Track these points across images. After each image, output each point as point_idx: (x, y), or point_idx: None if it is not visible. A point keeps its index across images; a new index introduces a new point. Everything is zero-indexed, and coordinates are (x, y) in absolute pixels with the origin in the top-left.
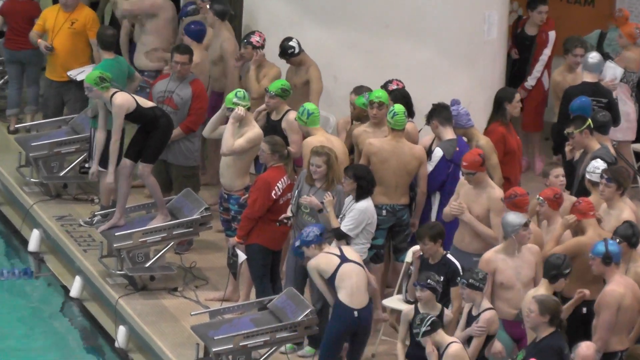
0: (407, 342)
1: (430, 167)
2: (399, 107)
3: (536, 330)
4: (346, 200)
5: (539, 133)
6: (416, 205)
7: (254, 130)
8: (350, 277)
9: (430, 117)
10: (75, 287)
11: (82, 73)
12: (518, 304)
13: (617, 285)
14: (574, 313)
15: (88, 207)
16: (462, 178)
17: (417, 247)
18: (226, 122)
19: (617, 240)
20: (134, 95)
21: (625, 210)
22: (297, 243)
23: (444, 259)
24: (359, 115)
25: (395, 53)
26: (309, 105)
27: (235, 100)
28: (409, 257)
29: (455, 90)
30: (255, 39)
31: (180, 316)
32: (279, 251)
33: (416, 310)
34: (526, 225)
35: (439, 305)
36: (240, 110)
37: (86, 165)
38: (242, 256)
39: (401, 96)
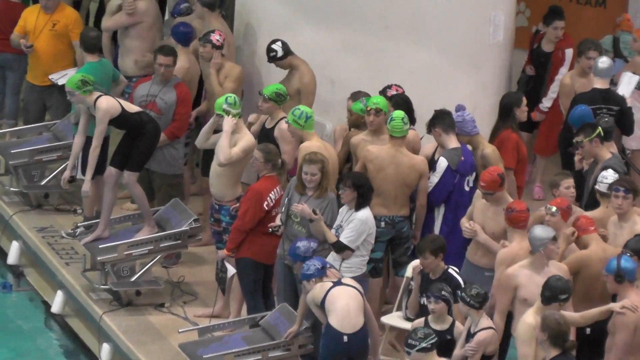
0: None
1: (435, 178)
2: (397, 113)
3: (543, 348)
4: (341, 210)
5: (548, 158)
6: (416, 219)
7: (247, 138)
8: (340, 299)
9: (432, 125)
10: (57, 303)
11: (64, 77)
12: None
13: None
14: (577, 334)
15: (71, 218)
16: (478, 190)
17: (417, 262)
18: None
19: (628, 254)
20: (119, 100)
21: (639, 223)
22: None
23: (445, 273)
24: (356, 122)
25: (395, 55)
26: (305, 108)
27: (225, 106)
28: (409, 271)
29: (458, 96)
30: (215, 37)
31: (168, 333)
32: (271, 265)
33: (426, 324)
34: (554, 239)
35: (450, 319)
36: (231, 120)
37: (76, 176)
38: (231, 270)
39: (402, 102)
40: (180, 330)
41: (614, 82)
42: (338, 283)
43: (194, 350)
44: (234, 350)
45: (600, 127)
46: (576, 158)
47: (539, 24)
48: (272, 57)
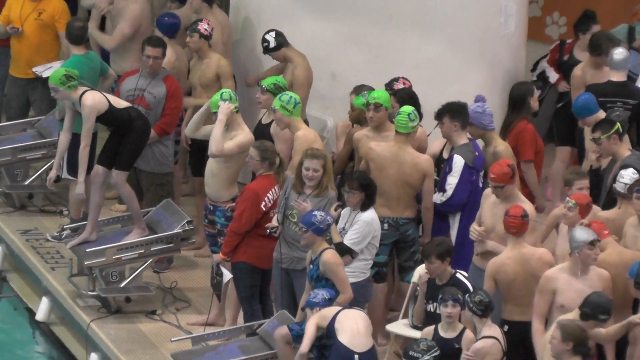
0: None
1: (454, 179)
2: (405, 108)
3: (560, 359)
4: (344, 213)
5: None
6: (424, 224)
7: (245, 134)
8: (350, 319)
9: (451, 118)
10: (42, 310)
11: (49, 69)
12: None
13: None
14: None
15: (56, 219)
16: (486, 190)
17: (424, 268)
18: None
19: None
20: (106, 95)
21: None
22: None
23: (452, 278)
24: (358, 118)
25: (400, 48)
26: (293, 94)
27: (220, 103)
28: (415, 277)
29: (468, 90)
30: (203, 26)
31: (159, 342)
32: (268, 270)
33: (436, 332)
34: (592, 243)
35: (460, 326)
36: (227, 105)
37: (61, 176)
38: (227, 275)
39: (407, 97)
40: (172, 339)
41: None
42: (345, 308)
43: None
44: None
45: (618, 123)
46: (593, 156)
47: (559, 27)
48: (265, 48)
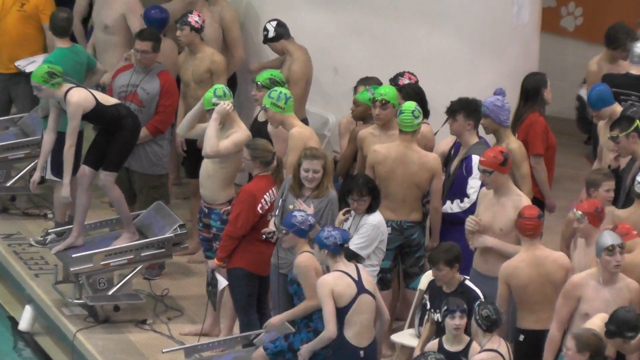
0: None
1: (477, 181)
2: (407, 105)
3: None
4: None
5: None
6: (432, 227)
7: (242, 131)
8: (363, 314)
9: (467, 115)
10: (25, 319)
11: (32, 63)
12: None
13: None
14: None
15: (40, 223)
16: (483, 188)
17: (431, 275)
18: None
19: None
20: (93, 91)
21: None
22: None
23: (461, 286)
24: (363, 115)
25: (407, 40)
26: (283, 89)
27: (214, 100)
28: (422, 284)
29: (478, 85)
30: (194, 19)
31: (150, 354)
32: (266, 276)
33: (440, 345)
34: (609, 249)
35: (467, 338)
36: (225, 105)
37: (45, 177)
38: (222, 282)
39: (413, 92)
40: (164, 350)
41: None
42: (361, 288)
43: None
44: None
45: (638, 121)
46: (611, 155)
47: (575, 19)
48: (264, 37)
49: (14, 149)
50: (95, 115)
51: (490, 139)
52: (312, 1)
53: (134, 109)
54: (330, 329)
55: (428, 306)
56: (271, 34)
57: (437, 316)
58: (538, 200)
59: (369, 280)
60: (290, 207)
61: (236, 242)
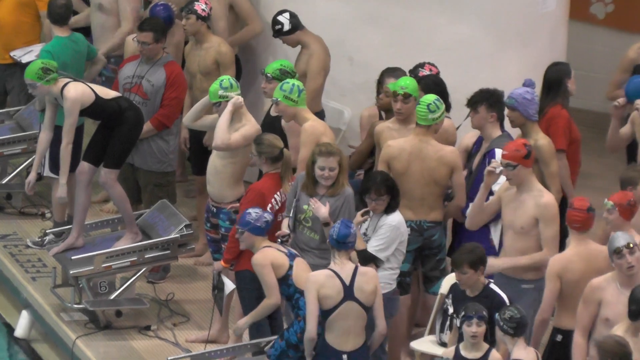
0: None
1: (502, 178)
2: (425, 97)
3: None
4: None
5: None
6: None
7: (251, 125)
8: (346, 320)
9: (489, 106)
10: (22, 325)
11: (29, 53)
12: None
13: None
14: None
15: (38, 223)
16: (504, 183)
17: (453, 278)
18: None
19: None
20: (91, 85)
21: None
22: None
23: (486, 290)
24: (388, 106)
25: (426, 28)
26: (295, 80)
27: (221, 92)
28: (444, 287)
29: (502, 77)
30: (200, 6)
31: None
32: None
33: (457, 352)
34: (618, 252)
35: (486, 345)
36: (240, 98)
37: (42, 174)
38: (229, 285)
39: (434, 84)
40: (169, 358)
41: None
42: (349, 295)
43: None
44: None
45: None
46: None
47: (605, 6)
48: (277, 31)
49: (9, 144)
50: (95, 110)
51: (515, 132)
52: None
53: (138, 101)
54: (309, 330)
55: (450, 311)
56: (287, 26)
57: (457, 321)
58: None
59: (366, 288)
60: (305, 207)
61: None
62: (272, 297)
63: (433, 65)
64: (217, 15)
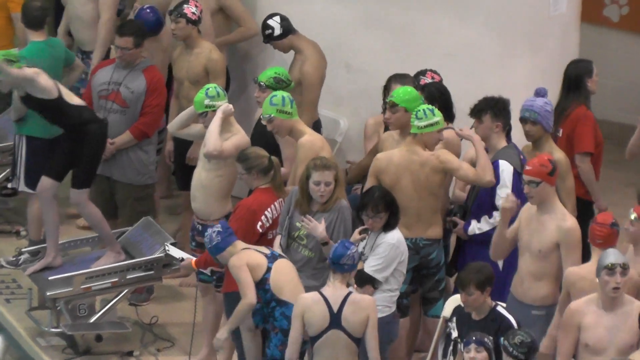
0: None
1: (507, 190)
2: (420, 106)
3: None
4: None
5: None
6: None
7: (241, 135)
8: (332, 349)
9: (494, 115)
10: None
11: None
12: None
13: None
14: None
15: (12, 241)
16: (527, 203)
17: (458, 299)
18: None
19: None
20: (58, 84)
21: None
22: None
23: (493, 312)
24: None
25: (429, 32)
26: (282, 92)
27: (207, 101)
28: (446, 310)
29: (510, 83)
30: (190, 10)
31: None
32: None
33: None
34: (610, 268)
35: None
36: (229, 106)
37: (8, 185)
38: (181, 255)
39: (438, 93)
40: None
41: None
42: (335, 323)
43: None
44: None
45: None
46: None
47: (620, 8)
48: (267, 36)
49: None
50: (55, 110)
51: (518, 141)
52: None
53: (115, 109)
54: (289, 357)
55: (453, 335)
56: (277, 31)
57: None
58: (584, 202)
59: (354, 318)
60: (298, 224)
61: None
62: (248, 296)
63: (435, 72)
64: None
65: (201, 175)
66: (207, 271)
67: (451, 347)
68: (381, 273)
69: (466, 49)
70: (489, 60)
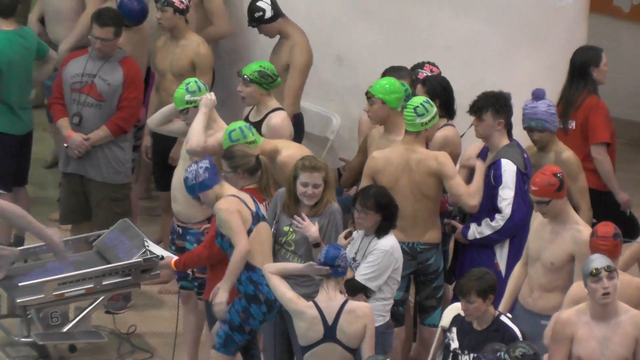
0: None
1: (509, 191)
2: (413, 101)
3: None
4: (353, 236)
5: None
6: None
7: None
8: (326, 357)
9: (496, 113)
10: None
11: None
12: None
13: None
14: None
15: None
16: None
17: (458, 308)
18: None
19: None
20: None
21: None
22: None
23: (496, 322)
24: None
25: (427, 24)
26: (239, 123)
27: (188, 97)
28: (444, 320)
29: (513, 79)
30: None
31: None
32: None
33: None
34: (595, 274)
35: None
36: (211, 96)
37: None
38: (162, 252)
39: (440, 87)
40: None
41: None
42: (329, 336)
43: None
44: None
45: None
46: None
47: None
48: (257, 19)
49: None
50: None
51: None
52: None
53: (90, 103)
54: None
55: (453, 346)
56: (269, 13)
57: (466, 357)
58: (601, 193)
59: (351, 329)
60: (286, 228)
61: (204, 265)
62: (241, 243)
63: (434, 65)
64: None
65: (182, 175)
66: (189, 278)
67: (450, 359)
68: (374, 282)
69: (466, 43)
70: (491, 55)
